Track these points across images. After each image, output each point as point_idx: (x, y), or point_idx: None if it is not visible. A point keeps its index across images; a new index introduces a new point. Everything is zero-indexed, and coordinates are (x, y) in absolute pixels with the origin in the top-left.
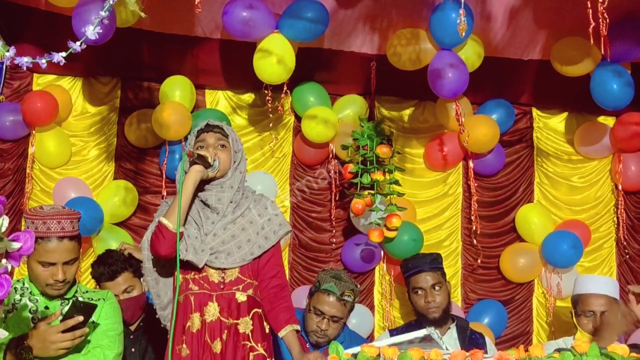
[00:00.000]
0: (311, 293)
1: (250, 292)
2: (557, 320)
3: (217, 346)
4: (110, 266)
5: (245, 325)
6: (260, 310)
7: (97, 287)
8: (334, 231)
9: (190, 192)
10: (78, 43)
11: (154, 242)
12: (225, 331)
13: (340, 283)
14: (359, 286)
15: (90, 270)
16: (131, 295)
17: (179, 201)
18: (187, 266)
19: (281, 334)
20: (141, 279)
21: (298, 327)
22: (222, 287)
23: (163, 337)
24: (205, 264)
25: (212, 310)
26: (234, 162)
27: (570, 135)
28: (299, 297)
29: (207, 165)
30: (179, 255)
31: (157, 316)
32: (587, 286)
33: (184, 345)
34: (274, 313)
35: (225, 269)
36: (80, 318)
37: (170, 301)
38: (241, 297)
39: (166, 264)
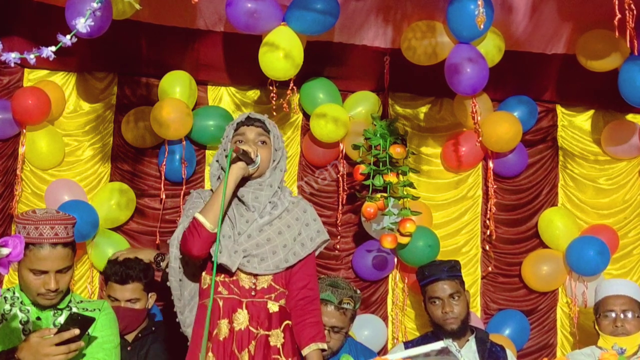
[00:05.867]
0: None
1: (282, 302)
2: (582, 331)
3: (245, 357)
4: (127, 269)
5: (276, 337)
6: (291, 323)
7: (93, 293)
8: (339, 237)
9: (231, 190)
10: (68, 37)
11: (187, 240)
12: (253, 342)
13: (338, 291)
14: (358, 292)
15: (85, 277)
16: (134, 306)
17: (222, 202)
18: (217, 268)
19: (305, 351)
20: (148, 295)
21: (324, 346)
22: (253, 294)
23: (176, 345)
24: (237, 268)
25: (242, 319)
26: (274, 160)
27: (597, 134)
28: None
29: (249, 161)
30: (216, 260)
31: (177, 320)
32: (606, 289)
33: (211, 354)
34: (299, 327)
35: (257, 274)
36: (77, 331)
37: (187, 305)
38: (273, 307)
39: (190, 264)
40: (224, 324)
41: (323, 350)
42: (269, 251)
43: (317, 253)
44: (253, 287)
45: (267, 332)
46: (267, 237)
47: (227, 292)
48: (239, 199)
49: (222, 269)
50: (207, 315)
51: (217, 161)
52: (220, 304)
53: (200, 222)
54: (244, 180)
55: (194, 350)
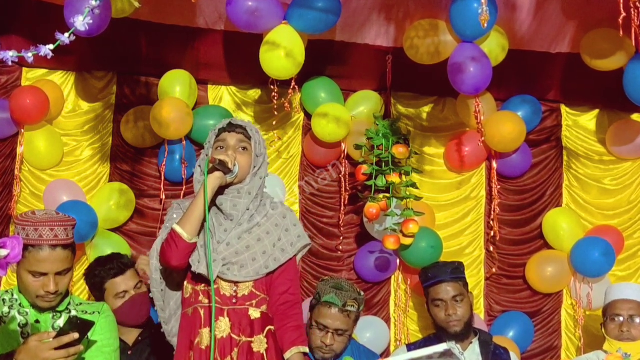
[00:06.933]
0: (312, 306)
1: (264, 308)
2: (587, 333)
3: None
4: (119, 260)
5: (259, 343)
6: (274, 328)
7: (91, 295)
8: (341, 238)
9: (209, 200)
10: (67, 35)
11: (166, 251)
12: (236, 349)
13: (342, 293)
14: (362, 294)
15: (85, 277)
16: (142, 290)
17: (206, 210)
18: (197, 277)
19: (286, 355)
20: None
21: (305, 349)
22: (234, 301)
23: (167, 353)
24: (217, 276)
25: (223, 326)
26: (254, 167)
27: (602, 134)
28: None
29: (226, 171)
30: (193, 267)
31: (162, 330)
32: (616, 293)
33: None
34: (281, 332)
35: (238, 282)
36: (76, 335)
37: (173, 315)
38: (255, 313)
39: (173, 275)
40: (205, 333)
41: (305, 353)
42: (248, 258)
43: (298, 258)
44: (234, 294)
45: (249, 339)
46: (247, 244)
47: (207, 301)
48: (218, 208)
49: (202, 279)
50: (192, 321)
51: (200, 166)
52: (202, 312)
53: (177, 234)
54: (222, 188)
55: (179, 359)
